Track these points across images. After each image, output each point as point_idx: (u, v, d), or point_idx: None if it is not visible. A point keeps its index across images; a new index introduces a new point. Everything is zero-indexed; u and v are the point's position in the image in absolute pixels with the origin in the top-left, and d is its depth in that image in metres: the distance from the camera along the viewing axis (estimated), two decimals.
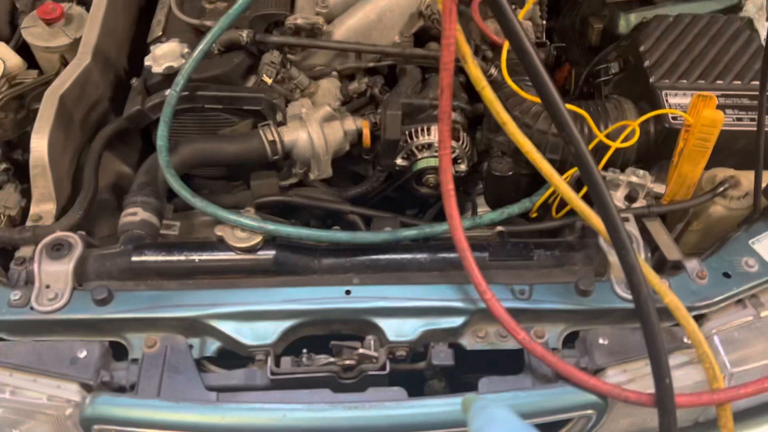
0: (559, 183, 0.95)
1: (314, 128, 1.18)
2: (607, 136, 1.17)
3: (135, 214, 1.05)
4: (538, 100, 1.17)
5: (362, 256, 1.04)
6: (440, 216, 1.50)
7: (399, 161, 1.31)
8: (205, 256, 1.03)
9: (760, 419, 1.09)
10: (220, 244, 1.02)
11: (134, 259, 1.02)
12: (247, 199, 1.25)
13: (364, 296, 0.99)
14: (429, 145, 1.30)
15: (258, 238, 1.01)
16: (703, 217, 1.16)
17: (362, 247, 1.04)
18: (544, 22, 1.47)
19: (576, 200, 0.97)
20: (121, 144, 1.35)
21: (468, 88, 1.34)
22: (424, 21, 1.36)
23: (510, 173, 1.27)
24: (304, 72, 1.31)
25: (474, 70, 0.90)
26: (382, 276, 1.03)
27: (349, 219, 1.23)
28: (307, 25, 1.25)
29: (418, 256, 1.06)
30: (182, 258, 1.02)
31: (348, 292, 0.99)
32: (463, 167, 1.34)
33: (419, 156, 1.31)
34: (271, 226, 1.00)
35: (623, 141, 1.13)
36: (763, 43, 1.30)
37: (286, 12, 1.27)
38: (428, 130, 1.29)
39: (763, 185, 1.11)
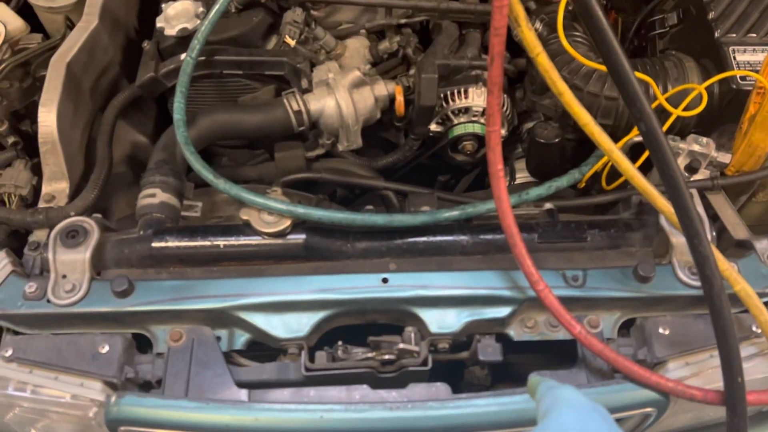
0: (620, 159, 0.86)
1: (342, 95, 1.08)
2: (669, 100, 1.06)
3: (153, 196, 0.97)
4: (593, 64, 1.05)
5: (399, 239, 0.96)
6: (477, 185, 1.40)
7: (433, 127, 1.22)
8: (231, 241, 0.95)
9: None
10: (247, 228, 0.95)
11: (155, 245, 0.94)
12: (271, 171, 1.16)
13: (403, 284, 0.91)
14: (466, 110, 1.20)
15: (287, 222, 0.93)
16: None
17: (399, 230, 0.96)
18: None
19: (637, 176, 0.87)
20: (135, 111, 1.26)
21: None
22: None
23: (556, 140, 1.16)
24: (330, 30, 1.20)
25: (528, 34, 0.79)
26: (420, 261, 0.96)
27: (381, 194, 1.14)
28: None
29: (460, 238, 0.97)
30: (206, 243, 0.95)
31: (385, 281, 0.92)
32: (503, 132, 1.24)
33: (455, 121, 1.21)
34: (301, 210, 0.92)
35: (687, 108, 1.01)
36: None
37: None
38: (465, 92, 1.19)
39: None
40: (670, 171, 0.74)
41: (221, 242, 0.95)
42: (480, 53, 1.19)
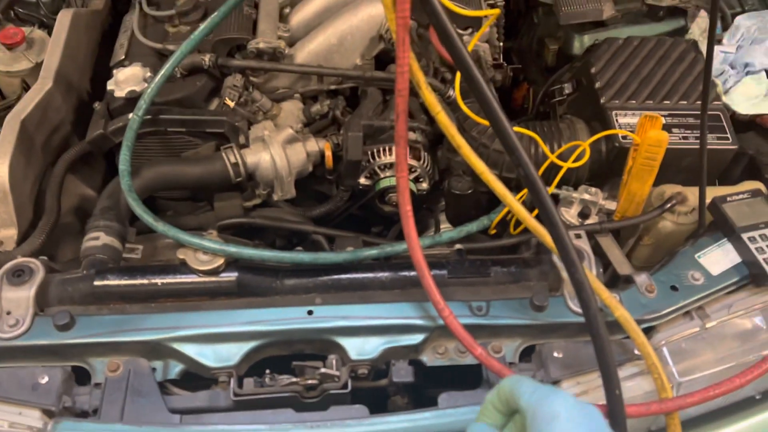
0: (512, 203, 0.99)
1: (277, 150, 1.20)
2: (561, 156, 1.22)
3: (97, 239, 1.06)
4: (484, 121, 1.21)
5: (324, 276, 1.07)
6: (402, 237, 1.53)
7: (362, 180, 1.34)
8: (168, 279, 1.04)
9: (708, 426, 1.14)
10: (183, 267, 1.04)
11: (97, 283, 1.02)
12: (210, 220, 1.26)
13: (326, 316, 1.01)
14: (391, 165, 1.33)
15: (220, 261, 1.03)
16: (653, 232, 1.21)
17: (324, 267, 1.06)
18: (501, 43, 1.52)
19: (528, 219, 1.00)
20: (85, 167, 1.36)
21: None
22: (384, 44, 1.40)
23: (469, 191, 1.30)
24: (267, 94, 1.34)
25: (428, 96, 0.94)
26: (344, 295, 1.06)
27: (313, 239, 1.25)
28: (269, 49, 1.27)
29: (380, 274, 1.08)
30: (145, 281, 1.03)
31: (310, 312, 1.01)
32: (424, 186, 1.38)
33: (382, 175, 1.34)
34: (232, 249, 1.02)
35: (575, 160, 1.17)
36: None
37: (248, 36, 1.29)
38: (390, 150, 1.33)
39: (708, 201, 1.16)
40: (546, 208, 0.87)
41: (159, 280, 1.03)
42: None
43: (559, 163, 1.17)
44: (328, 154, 1.23)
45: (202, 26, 1.18)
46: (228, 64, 1.27)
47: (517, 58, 1.79)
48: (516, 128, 1.24)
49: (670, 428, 0.97)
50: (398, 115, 0.94)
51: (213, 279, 1.04)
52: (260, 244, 1.23)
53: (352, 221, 1.48)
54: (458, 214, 1.38)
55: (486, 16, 1.46)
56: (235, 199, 1.24)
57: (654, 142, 1.08)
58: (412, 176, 1.35)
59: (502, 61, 1.50)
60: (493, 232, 1.28)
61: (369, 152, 1.32)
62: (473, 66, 0.83)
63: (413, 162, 1.33)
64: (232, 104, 1.24)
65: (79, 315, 0.99)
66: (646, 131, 1.11)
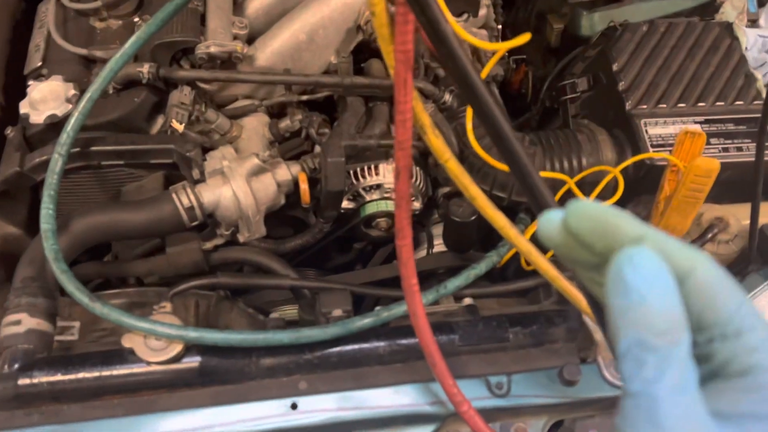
0: (530, 251, 0.80)
1: (240, 185, 0.97)
2: (583, 180, 1.02)
3: (19, 323, 0.83)
4: (500, 165, 0.99)
5: (308, 353, 0.87)
6: (392, 258, 1.33)
7: (345, 203, 1.13)
8: (114, 371, 0.83)
9: None
10: (132, 355, 0.83)
11: (21, 382, 0.81)
12: (163, 267, 1.04)
13: (314, 409, 0.82)
14: (378, 186, 1.13)
15: (178, 348, 0.82)
16: None
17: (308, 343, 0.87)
18: (500, 26, 1.29)
19: (557, 278, 0.82)
20: (4, 200, 1.11)
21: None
22: (363, 36, 1.15)
23: (472, 218, 1.10)
24: (224, 104, 1.10)
25: (435, 142, 0.72)
26: (334, 376, 0.86)
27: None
28: (223, 54, 1.02)
29: (376, 345, 0.89)
30: (84, 376, 0.82)
31: (294, 406, 0.82)
32: (417, 205, 1.18)
33: (368, 198, 1.13)
34: (192, 334, 0.81)
35: (608, 194, 0.98)
36: (745, 52, 1.16)
37: (195, 38, 1.03)
38: (376, 168, 1.12)
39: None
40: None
41: (102, 373, 0.82)
42: (389, 128, 1.12)
43: (581, 196, 0.97)
44: (304, 187, 1.01)
45: (136, 34, 0.92)
46: (172, 76, 1.01)
47: (513, 33, 1.55)
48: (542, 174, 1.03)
49: None
50: (399, 171, 0.72)
51: (171, 367, 0.83)
52: (225, 298, 1.02)
53: (336, 243, 1.28)
54: (459, 242, 1.18)
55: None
56: (192, 242, 1.02)
57: (703, 173, 0.89)
58: None
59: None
60: (501, 264, 1.10)
61: (352, 172, 1.11)
62: (487, 96, 0.61)
63: None
64: (180, 127, 0.99)
65: (2, 429, 0.78)
66: (686, 153, 0.92)
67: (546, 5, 1.42)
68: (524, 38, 0.93)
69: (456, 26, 0.77)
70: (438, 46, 0.57)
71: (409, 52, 0.64)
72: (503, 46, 0.71)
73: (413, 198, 1.17)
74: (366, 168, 1.11)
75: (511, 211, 1.12)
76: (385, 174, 1.12)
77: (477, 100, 0.59)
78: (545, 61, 1.47)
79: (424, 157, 1.22)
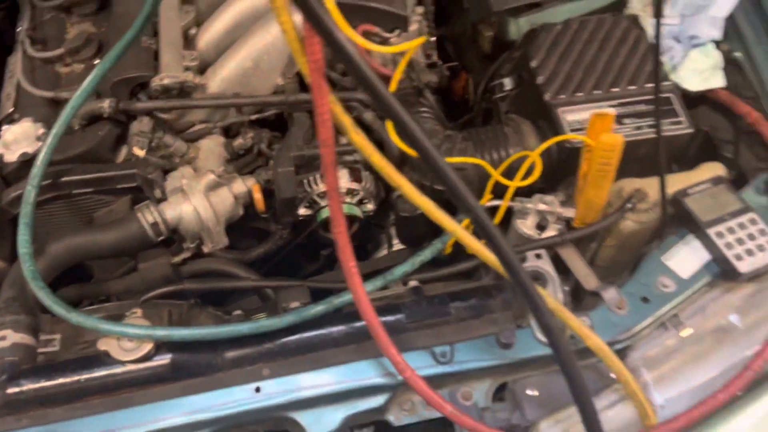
0: (463, 236, 0.89)
1: (198, 200, 1.07)
2: (510, 165, 1.12)
3: (4, 339, 0.93)
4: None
5: (269, 342, 0.96)
6: (359, 254, 1.42)
7: (302, 211, 1.23)
8: (93, 374, 0.92)
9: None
10: (108, 358, 0.91)
11: (10, 391, 0.90)
12: (138, 283, 1.13)
13: (276, 391, 0.91)
14: None
15: (149, 346, 0.91)
16: (615, 233, 1.14)
17: (267, 334, 0.96)
18: (434, 38, 1.40)
19: (483, 252, 0.91)
20: None
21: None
22: None
23: (419, 212, 1.20)
24: (182, 133, 1.20)
25: (357, 138, 0.82)
26: (294, 361, 0.95)
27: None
28: (175, 84, 1.13)
29: (331, 330, 0.98)
30: (66, 381, 0.91)
31: (258, 389, 0.91)
32: (370, 207, 1.28)
33: (322, 203, 1.23)
34: (160, 332, 0.90)
35: (525, 173, 1.08)
36: (651, 40, 1.28)
37: (150, 73, 1.14)
38: None
39: (669, 192, 1.09)
40: (503, 253, 0.78)
41: (82, 377, 0.91)
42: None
43: (507, 183, 1.08)
44: (258, 196, 1.11)
45: (93, 73, 1.03)
46: (131, 108, 1.12)
47: (452, 45, 1.67)
48: (456, 159, 1.14)
49: None
50: (326, 167, 0.83)
51: (144, 366, 0.92)
52: (194, 305, 1.11)
53: (299, 245, 1.37)
54: (410, 235, 1.29)
55: (415, 13, 1.35)
56: (162, 257, 1.12)
57: (608, 147, 0.99)
58: (355, 200, 1.24)
59: (436, 59, 1.38)
60: (448, 251, 1.19)
61: (305, 181, 1.21)
62: (394, 102, 0.72)
63: (355, 185, 1.23)
64: (142, 153, 1.10)
65: None
66: (597, 133, 1.02)
67: (477, 16, 1.53)
68: (419, 41, 1.05)
69: (354, 35, 0.88)
70: (338, 54, 0.68)
71: (319, 61, 0.75)
72: (398, 48, 0.82)
73: (365, 201, 1.27)
74: (318, 176, 1.21)
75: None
76: (338, 179, 1.22)
77: (379, 98, 0.70)
78: (483, 68, 1.58)
79: None
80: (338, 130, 0.82)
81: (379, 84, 0.71)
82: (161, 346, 0.93)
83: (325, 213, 1.24)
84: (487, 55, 1.53)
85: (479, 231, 0.77)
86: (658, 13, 0.93)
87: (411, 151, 1.06)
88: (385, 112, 0.72)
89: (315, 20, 0.65)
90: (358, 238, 1.41)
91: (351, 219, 1.26)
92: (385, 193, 1.34)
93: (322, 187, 1.21)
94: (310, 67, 0.76)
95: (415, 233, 1.25)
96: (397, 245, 1.38)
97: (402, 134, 0.74)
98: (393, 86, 1.09)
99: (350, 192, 1.22)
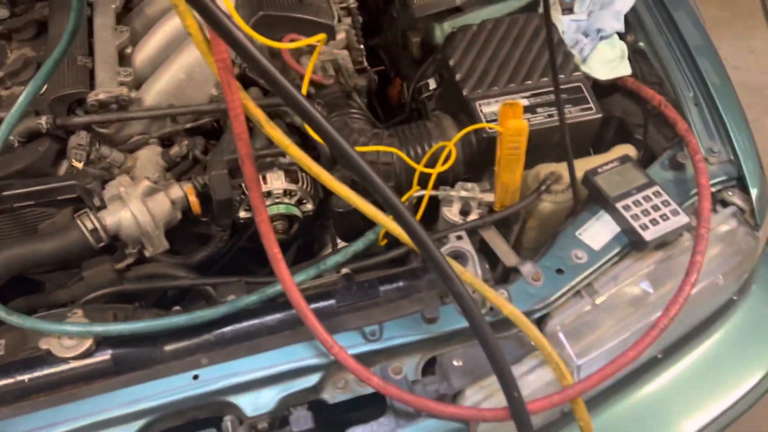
0: (385, 221, 0.96)
1: (136, 205, 1.12)
2: (432, 157, 1.20)
3: None
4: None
5: (206, 333, 1.01)
6: (301, 258, 1.48)
7: (242, 214, 1.28)
8: (36, 374, 0.96)
9: (619, 395, 1.16)
10: (50, 357, 0.96)
11: None
12: (83, 291, 1.17)
13: (213, 377, 0.96)
14: (269, 194, 1.28)
15: (88, 342, 0.95)
16: (535, 214, 1.22)
17: (204, 325, 1.01)
18: (362, 46, 1.48)
19: (401, 234, 0.98)
20: None
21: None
22: (238, 69, 1.33)
23: (352, 208, 1.26)
24: (121, 145, 1.25)
25: (273, 133, 0.89)
26: (231, 350, 1.01)
27: (198, 289, 1.19)
28: (110, 99, 1.19)
29: (266, 319, 1.04)
30: (9, 381, 0.95)
31: (196, 377, 0.96)
32: (309, 207, 1.33)
33: None
34: (98, 328, 0.95)
35: (444, 162, 1.15)
36: (562, 35, 1.37)
37: (85, 89, 1.20)
38: (264, 178, 1.27)
39: (579, 175, 1.17)
40: (413, 230, 0.84)
41: (25, 377, 0.95)
42: (269, 142, 1.29)
43: (427, 170, 1.15)
44: (193, 199, 1.17)
45: (26, 90, 1.08)
46: (68, 123, 1.17)
47: (386, 54, 1.76)
48: (368, 148, 1.21)
49: (576, 414, 0.98)
50: (243, 159, 0.89)
51: (85, 362, 0.96)
52: (139, 308, 1.15)
53: (250, 252, 1.42)
54: (348, 230, 1.35)
55: (342, 23, 1.42)
56: (105, 264, 1.16)
57: (514, 132, 1.07)
58: (293, 200, 1.30)
59: (365, 64, 1.46)
60: (384, 242, 1.26)
61: (242, 184, 1.26)
62: (302, 100, 0.78)
63: (292, 186, 1.28)
64: (80, 165, 1.15)
65: None
66: (507, 120, 1.10)
67: (405, 24, 1.62)
68: (321, 37, 1.12)
69: (250, 32, 0.94)
70: (233, 48, 0.75)
71: (226, 60, 0.82)
72: (301, 44, 0.89)
73: (304, 201, 1.32)
74: None
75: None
76: (272, 182, 1.27)
77: (278, 86, 0.76)
78: (415, 72, 1.67)
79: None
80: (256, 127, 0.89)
81: (277, 74, 0.78)
82: (102, 343, 0.98)
83: None
84: (417, 60, 1.62)
85: (385, 206, 0.84)
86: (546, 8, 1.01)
87: (318, 138, 1.13)
88: (282, 97, 0.78)
89: (212, 20, 0.72)
90: (301, 238, 1.47)
91: (291, 219, 1.31)
92: (324, 193, 1.40)
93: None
94: (218, 66, 0.83)
95: (351, 228, 1.31)
96: (341, 243, 1.44)
97: (303, 119, 0.81)
98: (306, 81, 1.15)
99: (287, 193, 1.28)
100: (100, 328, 0.95)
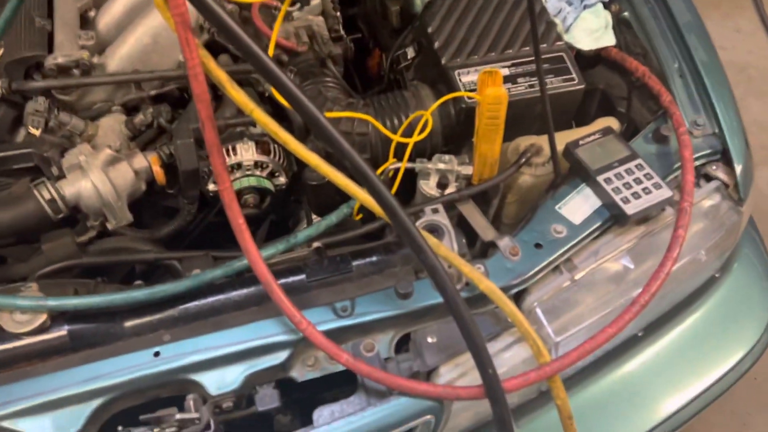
0: (356, 192, 0.91)
1: (97, 175, 1.07)
2: (409, 127, 1.15)
3: None
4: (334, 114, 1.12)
5: (169, 309, 0.96)
6: (275, 234, 1.43)
7: (211, 187, 1.23)
8: None
9: (598, 374, 1.14)
10: (1, 332, 0.91)
11: None
12: (43, 264, 1.12)
13: (175, 354, 0.91)
14: (239, 165, 1.23)
15: (42, 317, 0.90)
16: (514, 188, 1.18)
17: (166, 300, 0.96)
18: (338, 14, 1.42)
19: (373, 205, 0.93)
20: None
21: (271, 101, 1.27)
22: (206, 35, 1.27)
23: (326, 180, 1.22)
24: (83, 111, 1.19)
25: (237, 95, 0.83)
26: (195, 326, 0.96)
27: (164, 264, 1.14)
28: (70, 63, 1.12)
29: (232, 294, 0.99)
30: None
31: (157, 354, 0.91)
32: (282, 180, 1.28)
33: (231, 178, 1.24)
34: (52, 302, 0.90)
35: (420, 132, 1.11)
36: (545, 3, 1.32)
37: (42, 53, 1.13)
38: (234, 149, 1.22)
39: (560, 148, 1.13)
40: (382, 197, 0.80)
41: None
42: (238, 111, 1.23)
43: (403, 140, 1.10)
44: (157, 169, 1.11)
45: None
46: (25, 88, 1.11)
47: (365, 24, 1.70)
48: (337, 113, 1.16)
49: (554, 392, 0.95)
50: (203, 122, 0.84)
51: (40, 338, 0.91)
52: (101, 282, 1.10)
53: (223, 228, 1.37)
54: (322, 204, 1.30)
55: None
56: (66, 237, 1.10)
57: (493, 101, 1.02)
58: (264, 173, 1.25)
59: (342, 32, 1.40)
60: (359, 217, 1.21)
61: None
62: (268, 61, 0.74)
63: (263, 157, 1.23)
64: (37, 132, 1.09)
65: None
66: (486, 88, 1.06)
67: None
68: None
69: None
70: (193, 4, 0.69)
71: (184, 14, 0.76)
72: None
73: (276, 174, 1.27)
74: (224, 149, 1.21)
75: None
76: (243, 153, 1.22)
77: (245, 50, 0.71)
78: (394, 42, 1.61)
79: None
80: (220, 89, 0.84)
81: (242, 32, 0.73)
82: (58, 318, 0.93)
83: (234, 186, 1.24)
84: (397, 30, 1.56)
85: (354, 173, 0.80)
86: None
87: (285, 102, 1.07)
88: (245, 56, 0.74)
89: None
90: (277, 215, 1.43)
91: (262, 192, 1.26)
92: (298, 166, 1.35)
93: (229, 160, 1.22)
94: (176, 20, 0.77)
95: (326, 203, 1.26)
96: (317, 219, 1.39)
97: (269, 81, 0.76)
98: (272, 41, 1.10)
99: (259, 165, 1.23)
100: (54, 303, 0.90)
